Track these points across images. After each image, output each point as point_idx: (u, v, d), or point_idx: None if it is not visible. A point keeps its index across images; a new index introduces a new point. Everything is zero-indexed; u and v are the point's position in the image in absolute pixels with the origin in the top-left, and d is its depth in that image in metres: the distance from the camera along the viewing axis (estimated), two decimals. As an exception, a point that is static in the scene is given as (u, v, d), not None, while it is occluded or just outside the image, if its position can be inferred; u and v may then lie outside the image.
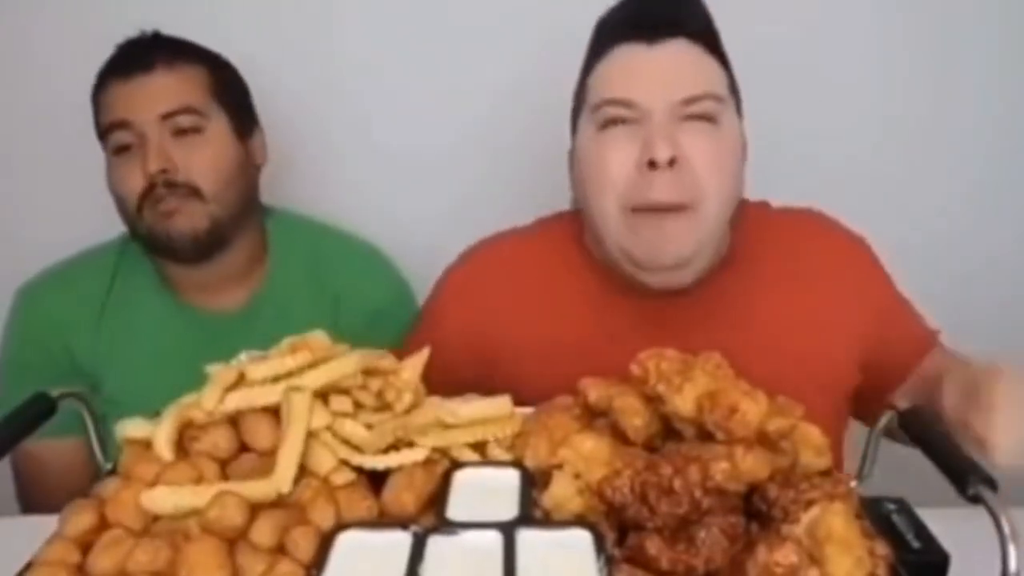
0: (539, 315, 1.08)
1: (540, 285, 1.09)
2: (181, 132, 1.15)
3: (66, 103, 1.26)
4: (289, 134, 1.45)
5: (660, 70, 0.95)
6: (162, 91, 1.15)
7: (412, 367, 0.85)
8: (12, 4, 1.47)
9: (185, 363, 0.93)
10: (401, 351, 0.91)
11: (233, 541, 0.70)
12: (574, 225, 1.11)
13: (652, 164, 0.93)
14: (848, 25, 1.49)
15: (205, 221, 1.16)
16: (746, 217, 1.06)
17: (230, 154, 1.19)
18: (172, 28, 1.23)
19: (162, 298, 1.24)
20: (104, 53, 1.21)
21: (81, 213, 1.36)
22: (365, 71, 1.52)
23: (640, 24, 0.96)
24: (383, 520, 0.74)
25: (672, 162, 0.92)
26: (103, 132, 1.17)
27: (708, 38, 0.97)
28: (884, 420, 0.80)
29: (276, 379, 0.79)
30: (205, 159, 1.16)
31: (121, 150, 1.15)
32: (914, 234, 1.40)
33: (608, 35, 0.99)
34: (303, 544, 0.69)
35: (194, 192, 1.15)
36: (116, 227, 1.24)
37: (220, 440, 0.78)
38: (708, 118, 0.95)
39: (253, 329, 1.19)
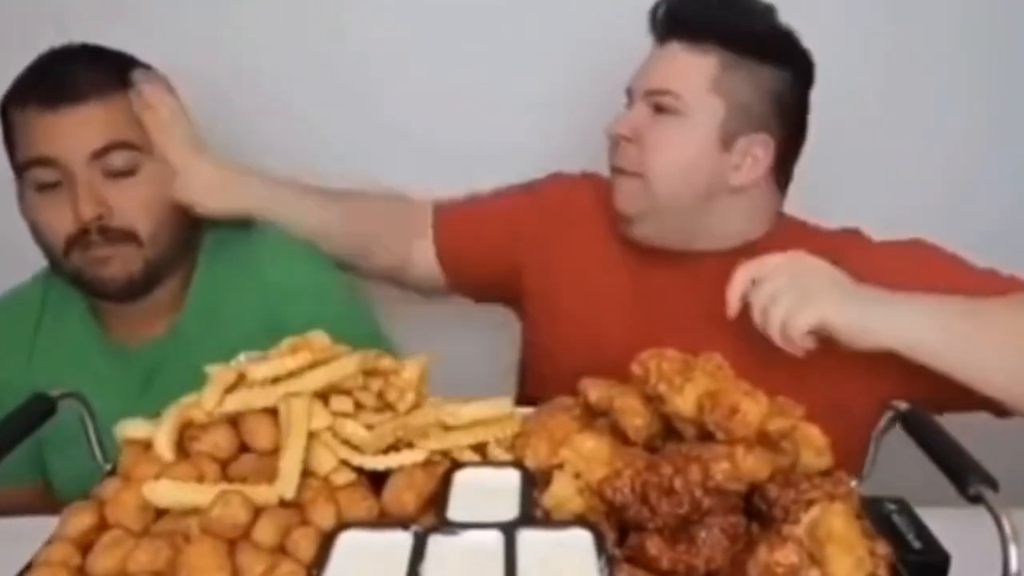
0: (585, 259, 1.23)
1: (589, 233, 1.23)
2: (114, 172, 1.05)
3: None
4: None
5: (649, 67, 1.12)
6: (94, 125, 1.04)
7: (413, 367, 0.85)
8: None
9: (117, 397, 0.96)
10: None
11: (234, 541, 0.70)
12: None
13: (611, 137, 1.14)
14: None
15: (139, 264, 1.07)
16: (781, 229, 1.17)
17: (168, 192, 1.10)
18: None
19: (89, 331, 1.15)
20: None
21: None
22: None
23: (656, 27, 1.12)
24: (384, 520, 0.74)
25: (627, 138, 1.11)
26: (21, 164, 1.05)
27: (715, 35, 1.07)
28: (884, 420, 0.80)
29: (276, 380, 0.79)
30: (141, 200, 1.07)
31: (44, 187, 1.04)
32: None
33: (651, 26, 1.13)
34: (303, 544, 0.69)
35: (130, 236, 1.06)
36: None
37: (220, 440, 0.77)
38: (670, 110, 1.09)
39: (183, 351, 1.10)
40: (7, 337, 1.15)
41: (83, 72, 1.05)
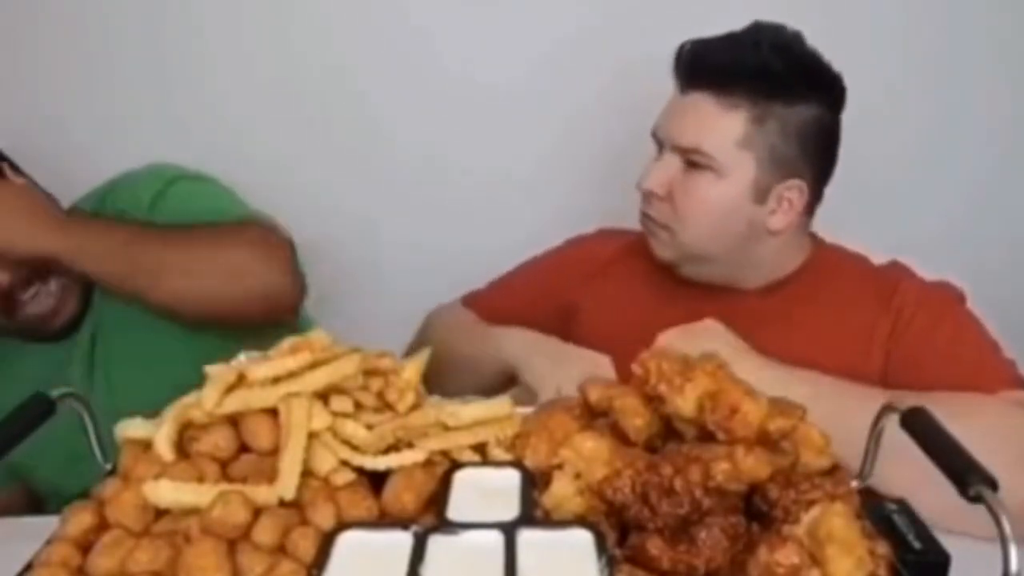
0: (616, 298, 1.24)
1: (625, 277, 1.25)
2: None
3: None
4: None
5: (675, 118, 1.10)
6: None
7: (413, 368, 0.85)
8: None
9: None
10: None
11: (234, 541, 0.70)
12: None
13: (642, 192, 1.13)
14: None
15: (74, 293, 1.14)
16: (817, 255, 1.17)
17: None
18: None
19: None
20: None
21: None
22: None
23: (681, 72, 1.10)
24: (384, 520, 0.74)
25: (659, 196, 1.10)
26: None
27: (742, 84, 1.05)
28: (884, 420, 0.80)
29: (276, 380, 0.79)
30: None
31: None
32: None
33: (675, 70, 1.12)
34: (303, 544, 0.69)
35: (31, 279, 1.09)
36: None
37: (220, 440, 0.77)
38: (701, 166, 1.08)
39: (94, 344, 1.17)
40: None
41: None
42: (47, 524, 0.75)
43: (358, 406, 0.81)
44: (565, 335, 1.18)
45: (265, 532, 0.70)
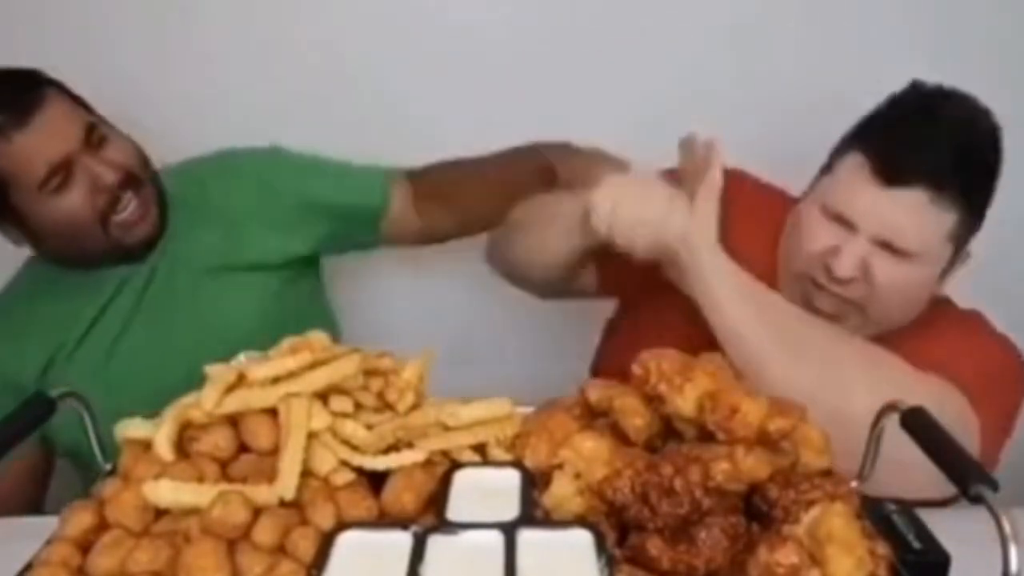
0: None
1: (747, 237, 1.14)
2: (96, 145, 1.19)
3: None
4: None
5: (883, 213, 1.00)
6: (65, 120, 1.17)
7: (413, 367, 0.85)
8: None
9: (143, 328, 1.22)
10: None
11: (234, 541, 0.70)
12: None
13: (836, 280, 1.03)
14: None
15: (153, 208, 1.24)
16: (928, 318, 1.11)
17: (128, 139, 1.25)
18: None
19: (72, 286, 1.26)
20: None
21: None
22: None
23: (882, 162, 1.00)
24: (384, 520, 0.74)
25: (849, 281, 1.02)
26: (35, 187, 1.15)
27: (958, 187, 0.99)
28: (884, 420, 0.80)
29: (276, 380, 0.79)
30: (124, 155, 1.22)
31: (58, 190, 1.16)
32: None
33: (859, 139, 1.05)
34: (303, 544, 0.69)
35: (137, 180, 1.21)
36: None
37: (220, 440, 0.77)
38: (900, 253, 1.01)
39: (169, 271, 1.27)
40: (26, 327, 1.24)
41: (7, 90, 1.16)
42: (47, 524, 0.75)
43: (358, 406, 0.81)
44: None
45: (265, 532, 0.70)
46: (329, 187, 1.36)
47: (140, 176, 1.22)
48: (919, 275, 1.04)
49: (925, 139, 0.99)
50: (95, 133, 1.19)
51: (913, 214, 0.99)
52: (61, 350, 1.23)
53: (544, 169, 1.41)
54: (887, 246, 1.01)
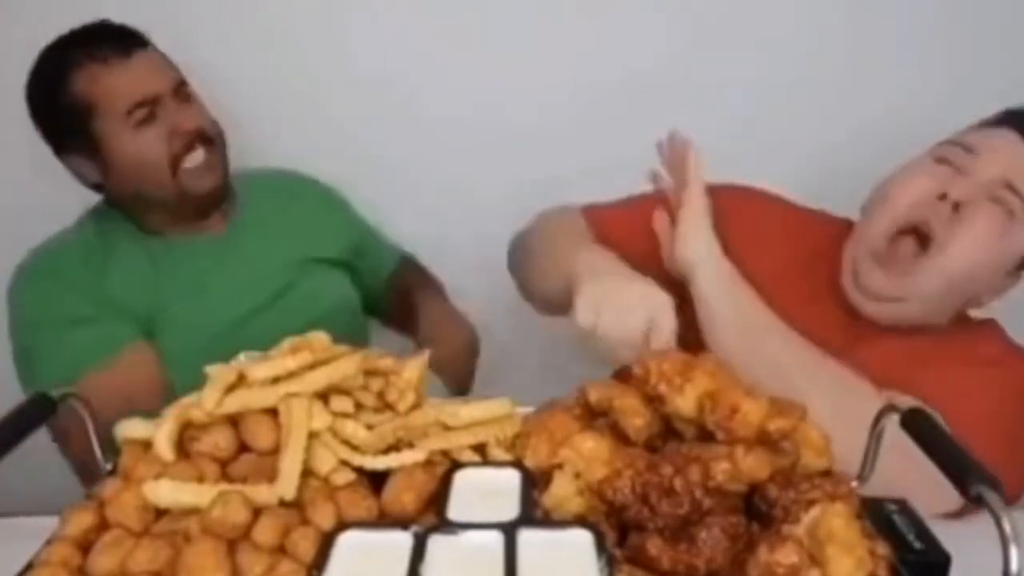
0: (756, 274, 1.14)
1: (768, 254, 1.18)
2: (183, 100, 1.29)
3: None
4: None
5: (1016, 160, 1.04)
6: (163, 66, 1.28)
7: (413, 367, 0.85)
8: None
9: (221, 286, 1.30)
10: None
11: (234, 541, 0.70)
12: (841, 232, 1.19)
13: (944, 196, 1.04)
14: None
15: (221, 167, 1.33)
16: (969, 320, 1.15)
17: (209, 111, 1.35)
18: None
19: (152, 243, 1.34)
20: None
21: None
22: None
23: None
24: (384, 520, 0.74)
25: (956, 205, 1.03)
26: (120, 112, 1.23)
27: None
28: (884, 420, 0.79)
29: (276, 380, 0.79)
30: (205, 116, 1.32)
31: (141, 125, 1.24)
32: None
33: (1006, 118, 1.09)
34: (303, 544, 0.69)
35: (212, 140, 1.31)
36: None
37: (220, 440, 0.77)
38: (1004, 206, 1.04)
39: (238, 249, 1.37)
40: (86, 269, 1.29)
41: (125, 30, 1.27)
42: (47, 524, 0.75)
43: (358, 406, 0.81)
44: (680, 287, 1.11)
45: (265, 532, 0.70)
46: (366, 242, 1.54)
47: (215, 140, 1.31)
48: (1006, 240, 1.04)
49: None
50: (184, 89, 1.29)
51: (1011, 151, 1.03)
52: (159, 303, 1.29)
53: None
54: (996, 197, 1.03)
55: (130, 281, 1.29)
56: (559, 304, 1.14)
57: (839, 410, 0.85)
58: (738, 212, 1.19)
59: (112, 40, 1.25)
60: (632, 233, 1.20)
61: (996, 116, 1.11)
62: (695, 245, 1.08)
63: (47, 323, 1.25)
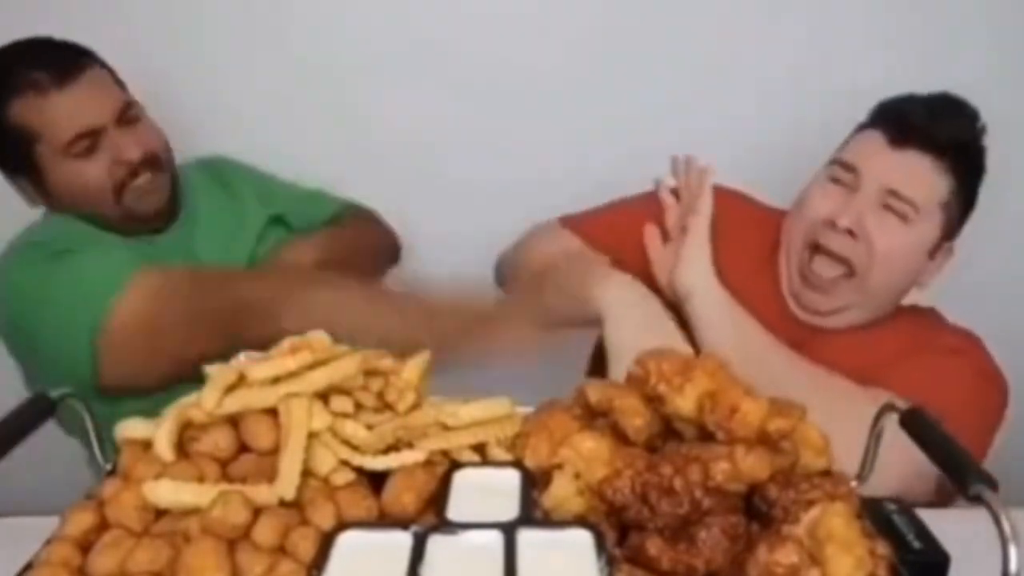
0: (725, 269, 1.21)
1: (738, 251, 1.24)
2: (128, 122, 1.25)
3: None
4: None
5: (890, 167, 1.12)
6: (104, 91, 1.24)
7: (413, 367, 0.85)
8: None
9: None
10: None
11: (234, 541, 0.70)
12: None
13: (833, 225, 1.13)
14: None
15: (167, 187, 1.31)
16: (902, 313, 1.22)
17: (156, 126, 1.32)
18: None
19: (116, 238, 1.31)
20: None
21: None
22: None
23: (896, 128, 1.13)
24: (384, 520, 0.74)
25: (852, 233, 1.12)
26: (61, 147, 1.19)
27: (953, 154, 1.12)
28: (883, 420, 0.80)
29: (276, 380, 0.79)
30: (152, 137, 1.29)
31: (80, 156, 1.21)
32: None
33: (875, 117, 1.18)
34: (303, 544, 0.69)
35: (158, 163, 1.28)
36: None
37: (220, 440, 0.77)
38: (898, 215, 1.12)
39: (190, 240, 1.36)
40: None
41: (69, 49, 1.22)
42: (47, 524, 0.75)
43: (358, 406, 0.81)
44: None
45: (265, 532, 0.70)
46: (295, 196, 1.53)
47: (162, 160, 1.29)
48: (912, 240, 1.13)
49: (931, 117, 1.12)
50: (129, 112, 1.25)
51: (916, 170, 1.11)
52: None
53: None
54: (887, 205, 1.11)
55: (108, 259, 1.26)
56: (561, 322, 1.18)
57: (840, 423, 0.86)
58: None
59: (52, 63, 1.19)
60: (623, 239, 1.25)
61: (869, 114, 1.18)
62: (697, 270, 1.14)
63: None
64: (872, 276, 1.13)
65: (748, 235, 1.27)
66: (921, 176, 1.12)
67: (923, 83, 1.17)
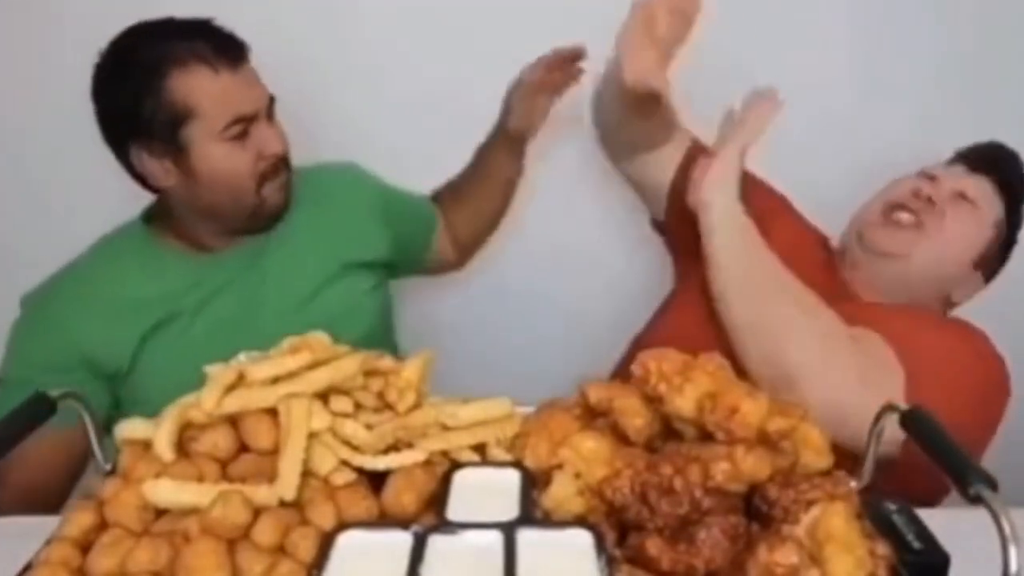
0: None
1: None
2: (268, 116, 1.25)
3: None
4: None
5: (964, 178, 1.27)
6: (258, 81, 1.24)
7: (413, 367, 0.85)
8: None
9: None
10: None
11: (234, 541, 0.70)
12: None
13: (917, 193, 1.25)
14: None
15: (288, 190, 1.29)
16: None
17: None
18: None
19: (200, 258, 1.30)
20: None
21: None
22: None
23: (976, 157, 1.29)
24: (384, 520, 0.74)
25: (933, 201, 1.24)
26: (223, 126, 1.19)
27: (1007, 190, 1.27)
28: (884, 420, 0.80)
29: (276, 380, 0.79)
30: (283, 136, 1.27)
31: (234, 139, 1.20)
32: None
33: (955, 155, 1.32)
34: (303, 544, 0.70)
35: (288, 164, 1.27)
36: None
37: (220, 440, 0.77)
38: (970, 208, 1.25)
39: (285, 251, 1.32)
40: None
41: (233, 38, 1.21)
42: (47, 524, 0.75)
43: (358, 406, 0.81)
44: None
45: (265, 532, 0.70)
46: (404, 202, 1.47)
47: (289, 159, 1.29)
48: (972, 231, 1.24)
49: (1000, 153, 1.30)
50: (272, 107, 1.26)
51: (983, 187, 1.26)
52: (155, 331, 1.23)
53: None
54: (961, 197, 1.23)
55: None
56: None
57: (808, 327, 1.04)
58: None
59: (221, 45, 1.19)
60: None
61: (980, 162, 1.31)
62: (721, 185, 1.16)
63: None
64: (933, 243, 1.22)
65: (799, 227, 1.38)
66: (987, 192, 1.26)
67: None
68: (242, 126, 1.19)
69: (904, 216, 1.25)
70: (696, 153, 1.31)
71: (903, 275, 1.24)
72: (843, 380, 1.01)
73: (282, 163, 1.26)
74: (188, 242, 1.29)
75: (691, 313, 1.22)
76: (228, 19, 1.26)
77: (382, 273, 1.42)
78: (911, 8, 1.54)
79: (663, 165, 1.33)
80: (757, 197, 1.31)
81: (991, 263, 1.28)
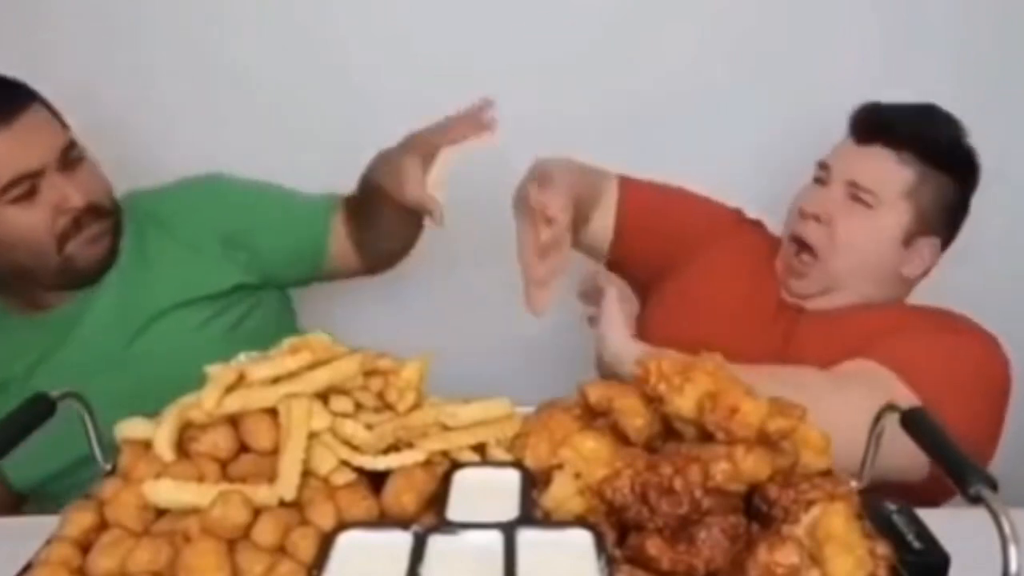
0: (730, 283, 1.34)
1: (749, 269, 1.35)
2: (71, 165, 1.15)
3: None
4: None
5: (854, 161, 1.24)
6: (47, 129, 1.14)
7: (413, 368, 0.85)
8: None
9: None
10: None
11: (234, 541, 0.70)
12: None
13: (802, 213, 1.26)
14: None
15: (109, 235, 1.21)
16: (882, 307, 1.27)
17: (98, 167, 1.22)
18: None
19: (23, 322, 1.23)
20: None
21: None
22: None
23: (862, 128, 1.25)
24: (384, 520, 0.74)
25: (818, 219, 1.23)
26: (3, 186, 1.10)
27: (916, 148, 1.21)
28: (884, 420, 0.80)
29: (276, 380, 0.79)
30: (96, 180, 1.19)
31: (19, 200, 1.12)
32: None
33: (850, 122, 1.27)
34: (303, 544, 0.69)
35: (102, 211, 1.19)
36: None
37: (220, 440, 0.77)
38: (863, 203, 1.22)
39: (108, 300, 1.23)
40: None
41: (7, 87, 1.13)
42: (47, 524, 0.75)
43: (358, 406, 0.81)
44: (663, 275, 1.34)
45: (265, 532, 0.70)
46: (275, 214, 1.33)
47: (106, 206, 1.20)
48: (874, 225, 1.21)
49: (894, 115, 1.23)
50: (71, 153, 1.15)
51: (877, 162, 1.22)
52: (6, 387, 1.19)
53: None
54: (853, 196, 1.21)
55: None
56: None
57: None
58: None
59: None
60: (667, 209, 1.39)
61: (867, 129, 1.26)
62: (614, 341, 1.10)
63: None
64: (836, 259, 1.22)
65: (751, 240, 1.40)
66: (881, 167, 1.21)
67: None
68: (27, 184, 1.11)
69: (797, 263, 1.25)
70: (625, 184, 1.36)
71: (840, 284, 1.24)
72: (862, 422, 0.84)
73: (89, 214, 1.16)
74: (26, 302, 1.23)
75: (657, 336, 1.18)
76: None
77: (234, 299, 1.29)
78: (932, 4, 1.54)
79: (604, 219, 1.36)
80: (701, 220, 1.39)
81: (930, 228, 1.23)
